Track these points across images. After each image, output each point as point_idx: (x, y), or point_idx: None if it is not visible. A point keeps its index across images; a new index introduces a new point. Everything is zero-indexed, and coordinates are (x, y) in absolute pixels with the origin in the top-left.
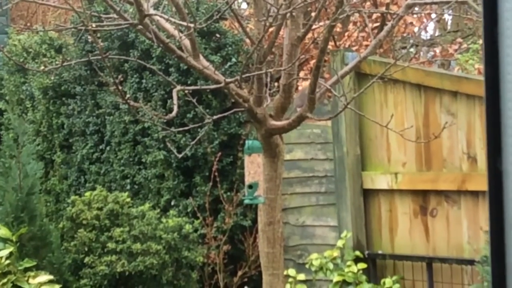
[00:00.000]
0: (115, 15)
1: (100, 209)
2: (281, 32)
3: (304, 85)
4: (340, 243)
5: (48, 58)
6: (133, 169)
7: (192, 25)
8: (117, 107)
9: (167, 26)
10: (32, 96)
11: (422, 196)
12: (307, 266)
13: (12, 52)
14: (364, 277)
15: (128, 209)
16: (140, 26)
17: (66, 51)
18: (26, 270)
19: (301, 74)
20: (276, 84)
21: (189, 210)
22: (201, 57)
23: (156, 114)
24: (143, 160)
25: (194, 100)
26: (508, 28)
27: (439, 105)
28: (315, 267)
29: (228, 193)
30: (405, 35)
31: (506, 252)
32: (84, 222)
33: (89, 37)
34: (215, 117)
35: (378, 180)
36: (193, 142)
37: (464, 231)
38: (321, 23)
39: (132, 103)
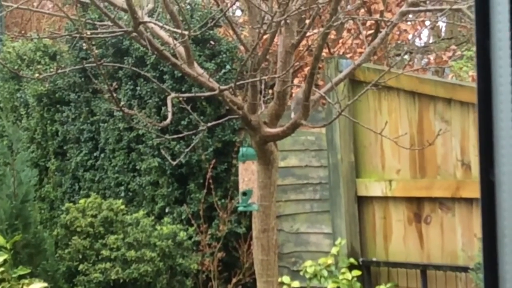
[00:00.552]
0: (109, 23)
1: (95, 216)
2: (275, 39)
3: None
4: (334, 250)
5: (42, 65)
6: (128, 176)
7: (186, 32)
8: (112, 114)
9: (162, 33)
10: (26, 103)
11: (416, 203)
12: (301, 273)
13: (7, 59)
14: (358, 284)
15: (123, 216)
16: (134, 34)
17: (61, 58)
18: (20, 277)
19: (296, 81)
20: (270, 91)
21: (183, 217)
22: (196, 64)
23: (150, 121)
24: (138, 167)
25: (189, 107)
26: (500, 40)
27: (433, 112)
28: (310, 274)
29: (223, 200)
30: (399, 42)
31: (499, 262)
32: (78, 229)
33: (83, 44)
34: (209, 124)
35: (372, 187)
36: (187, 149)
37: (458, 238)
38: (315, 31)
39: (126, 110)
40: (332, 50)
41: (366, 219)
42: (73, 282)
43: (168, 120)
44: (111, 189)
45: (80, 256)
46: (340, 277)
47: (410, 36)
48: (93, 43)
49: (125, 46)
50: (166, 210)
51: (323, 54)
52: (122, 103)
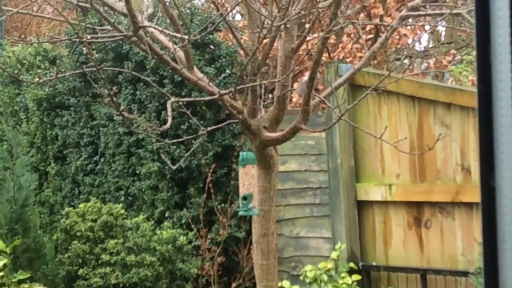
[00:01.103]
0: (109, 27)
1: (94, 220)
2: (275, 44)
3: (298, 96)
4: (334, 254)
5: (42, 69)
6: (127, 181)
7: (186, 37)
8: (111, 118)
9: (161, 37)
10: (26, 107)
11: (416, 208)
12: (301, 277)
13: (6, 63)
14: None
15: (122, 220)
16: (134, 38)
17: (60, 62)
18: (20, 282)
19: (296, 85)
20: (270, 95)
21: (183, 221)
22: (195, 69)
23: (150, 126)
24: (137, 171)
25: (188, 112)
26: (500, 45)
27: (433, 116)
28: (309, 279)
29: (222, 205)
30: (399, 46)
31: (499, 268)
32: (78, 234)
33: (83, 48)
34: (209, 128)
35: (372, 192)
36: (187, 154)
37: (458, 243)
38: (315, 35)
39: (126, 114)
40: (332, 55)
41: (366, 224)
42: (73, 286)
43: (168, 125)
44: (111, 194)
45: (80, 261)
46: (340, 281)
47: (410, 41)
48: (93, 47)
49: (125, 50)
50: (166, 215)
51: (323, 58)
52: (122, 107)
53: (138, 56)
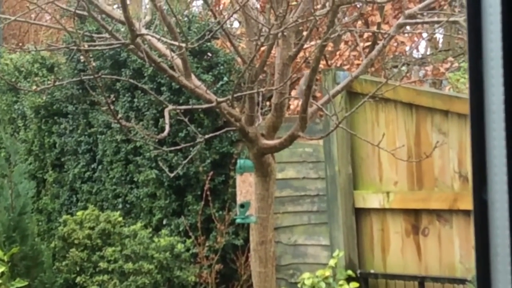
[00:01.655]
0: (107, 35)
1: (92, 228)
2: (272, 51)
3: (296, 103)
4: (332, 262)
5: (40, 77)
6: (125, 188)
7: (183, 44)
8: (109, 126)
9: (159, 45)
10: (24, 115)
11: (414, 215)
12: (299, 285)
13: (4, 71)
14: None
15: (120, 228)
16: (132, 46)
17: (58, 70)
18: None
19: (293, 93)
20: (268, 103)
21: (181, 229)
22: (193, 76)
23: (148, 133)
24: (135, 179)
25: (186, 119)
26: (492, 59)
27: (431, 124)
28: (307, 287)
29: (220, 212)
30: (396, 54)
31: (492, 281)
32: (76, 241)
33: (81, 56)
34: (207, 136)
35: (370, 199)
36: (185, 161)
37: (456, 250)
38: (313, 43)
39: (123, 122)
40: (329, 62)
41: (363, 231)
42: None
43: (166, 132)
44: (108, 201)
45: (78, 269)
46: None
47: (407, 48)
48: (91, 55)
49: (123, 58)
50: (164, 222)
51: (321, 66)
52: (119, 115)
53: (136, 63)
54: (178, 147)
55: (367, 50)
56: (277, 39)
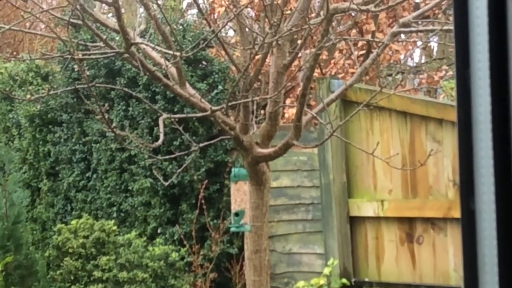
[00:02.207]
0: (101, 44)
1: (86, 237)
2: (267, 60)
3: (290, 112)
4: (326, 270)
5: (34, 86)
6: (120, 197)
7: (178, 53)
8: (104, 134)
9: (154, 54)
10: (18, 124)
11: (408, 224)
12: None
13: None
14: None
15: (115, 237)
16: (126, 55)
17: (53, 78)
18: None
19: (288, 101)
20: (262, 111)
21: (175, 238)
22: (188, 85)
23: (142, 142)
24: (130, 187)
25: (181, 128)
26: (479, 70)
27: (425, 132)
28: None
29: (215, 221)
30: (391, 62)
31: None
32: (70, 250)
33: (75, 65)
34: (201, 144)
35: (365, 208)
36: (179, 170)
37: (450, 258)
38: (307, 51)
39: (118, 131)
40: (324, 71)
41: (358, 240)
42: None
43: (160, 141)
44: (103, 210)
45: (72, 277)
46: None
47: (402, 56)
48: (85, 63)
49: (117, 66)
50: (158, 231)
51: (315, 74)
52: (114, 123)
53: (131, 72)
54: (172, 156)
55: (361, 59)
56: (271, 47)
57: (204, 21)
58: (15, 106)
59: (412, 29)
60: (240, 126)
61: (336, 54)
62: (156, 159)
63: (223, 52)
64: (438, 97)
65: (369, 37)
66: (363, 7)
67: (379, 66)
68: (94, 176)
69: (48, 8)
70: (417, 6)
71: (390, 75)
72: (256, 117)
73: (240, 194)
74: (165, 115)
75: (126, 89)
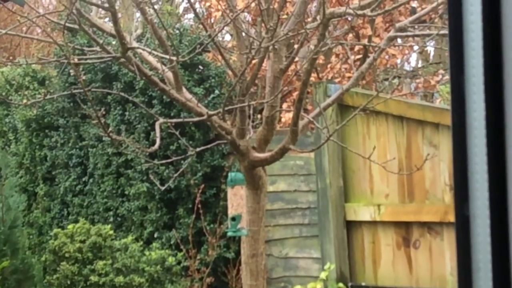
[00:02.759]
0: (98, 48)
1: (83, 241)
2: (264, 64)
3: (287, 116)
4: (323, 275)
5: (31, 90)
6: (116, 201)
7: (175, 58)
8: (100, 139)
9: (150, 58)
10: (15, 128)
11: (405, 228)
12: None
13: None
14: None
15: (111, 241)
16: (123, 59)
17: (49, 83)
18: None
19: (284, 106)
20: (259, 116)
21: (172, 242)
22: (184, 90)
23: (139, 147)
24: (126, 192)
25: (177, 132)
26: (473, 75)
27: (421, 136)
28: None
29: (212, 225)
30: (387, 66)
31: None
32: (67, 255)
33: (71, 69)
34: (198, 149)
35: (361, 212)
36: (176, 174)
37: (447, 263)
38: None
39: (114, 136)
40: (320, 75)
41: (355, 244)
42: None
43: (157, 145)
44: (99, 214)
45: (69, 282)
46: None
47: (398, 61)
48: (82, 68)
49: (114, 71)
50: (155, 235)
51: (312, 79)
52: (110, 128)
53: (127, 76)
54: (169, 160)
55: (358, 63)
56: (268, 52)
57: (201, 26)
58: (11, 111)
59: (409, 33)
60: (237, 131)
61: (333, 58)
62: (153, 163)
63: (219, 57)
64: (435, 101)
65: (365, 41)
66: (360, 12)
67: (375, 71)
68: (91, 180)
69: (45, 12)
70: (413, 11)
71: (386, 79)
72: (253, 121)
73: (236, 199)
74: (161, 120)
75: (122, 94)
